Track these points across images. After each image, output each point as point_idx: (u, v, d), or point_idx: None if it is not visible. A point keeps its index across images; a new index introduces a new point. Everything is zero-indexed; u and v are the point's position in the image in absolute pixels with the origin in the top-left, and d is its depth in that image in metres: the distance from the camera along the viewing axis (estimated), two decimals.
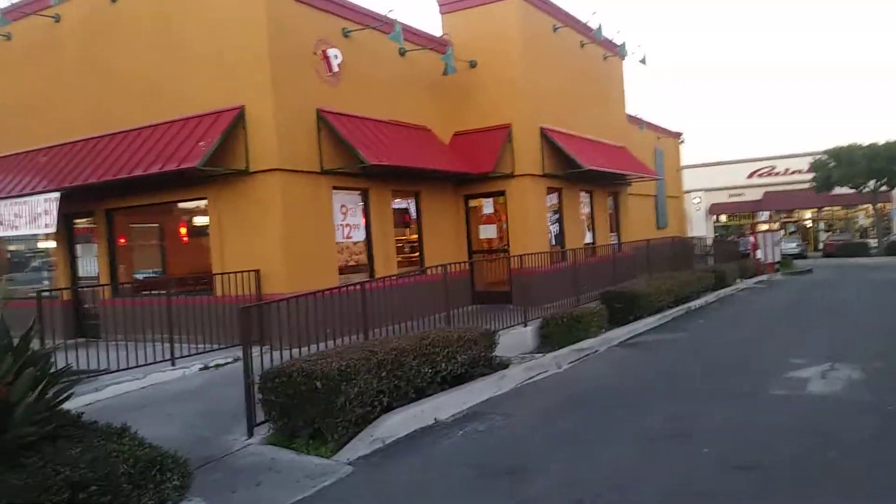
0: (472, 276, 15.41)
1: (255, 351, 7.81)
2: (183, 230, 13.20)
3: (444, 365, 7.41)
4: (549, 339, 11.37)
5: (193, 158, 10.54)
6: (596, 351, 11.02)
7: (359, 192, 12.94)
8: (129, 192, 12.59)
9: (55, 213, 12.04)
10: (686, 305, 16.53)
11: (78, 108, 13.23)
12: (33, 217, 12.34)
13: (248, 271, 11.13)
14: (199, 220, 12.66)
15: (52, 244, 14.24)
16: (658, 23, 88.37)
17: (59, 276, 14.02)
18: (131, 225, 13.82)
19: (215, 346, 10.53)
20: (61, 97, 13.52)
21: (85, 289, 13.55)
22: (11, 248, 15.93)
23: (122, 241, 13.59)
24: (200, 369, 9.85)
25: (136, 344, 9.98)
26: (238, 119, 11.12)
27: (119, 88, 12.68)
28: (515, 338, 10.96)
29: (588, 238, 18.24)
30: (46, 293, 13.22)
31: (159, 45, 12.17)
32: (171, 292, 10.26)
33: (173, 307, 10.56)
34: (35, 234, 13.22)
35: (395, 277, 10.81)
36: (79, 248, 14.06)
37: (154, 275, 13.43)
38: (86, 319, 13.67)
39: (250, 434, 6.51)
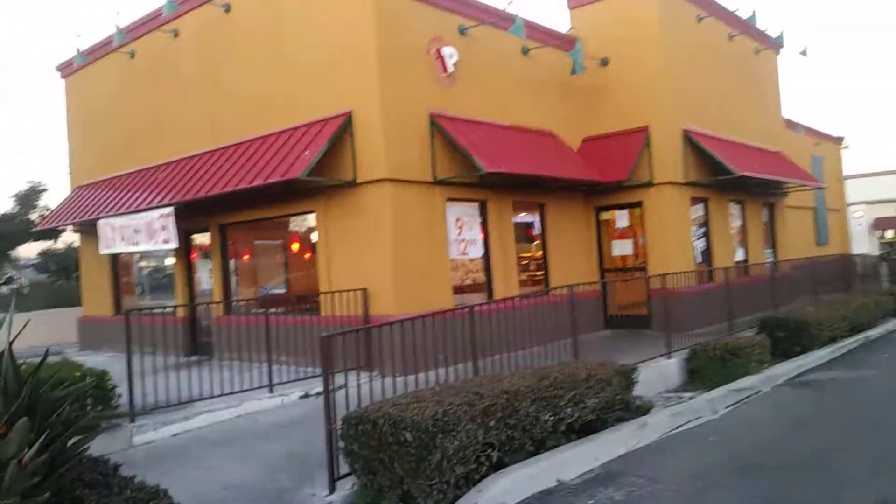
0: (604, 298, 13.77)
1: (363, 378, 6.81)
2: (293, 246, 12.61)
3: (569, 411, 5.98)
4: (699, 375, 9.56)
5: (297, 169, 9.80)
6: (758, 392, 9.07)
7: (476, 203, 11.75)
8: (239, 206, 12.17)
9: (172, 227, 11.78)
10: (864, 335, 13.90)
11: (195, 122, 13.07)
12: (151, 233, 12.19)
13: (355, 290, 10.22)
14: (308, 236, 11.99)
15: (172, 260, 14.18)
16: (816, 10, 79.85)
17: (178, 292, 13.90)
18: (243, 241, 13.43)
19: (320, 372, 9.65)
20: (181, 112, 13.44)
21: (197, 305, 13.29)
22: (143, 263, 16.18)
23: (235, 257, 13.22)
24: (300, 397, 8.99)
25: (244, 364, 9.36)
26: (345, 125, 10.30)
27: (232, 101, 12.34)
28: (657, 372, 9.26)
29: (740, 255, 15.97)
30: (159, 310, 13.11)
31: (269, 53, 11.68)
32: (269, 311, 9.52)
33: (280, 327, 9.85)
34: (155, 250, 13.11)
35: (514, 299, 9.48)
36: (197, 263, 13.90)
37: (264, 292, 12.93)
38: (201, 337, 13.41)
39: (331, 489, 5.40)
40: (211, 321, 12.83)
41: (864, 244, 41.89)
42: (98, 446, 7.25)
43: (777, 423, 7.63)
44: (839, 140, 29.20)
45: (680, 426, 7.20)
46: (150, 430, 7.53)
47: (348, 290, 10.17)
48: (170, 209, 11.69)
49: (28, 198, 24.00)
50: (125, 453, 7.07)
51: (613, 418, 6.63)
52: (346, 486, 5.41)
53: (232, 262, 13.13)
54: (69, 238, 24.68)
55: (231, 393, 8.60)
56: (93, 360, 13.03)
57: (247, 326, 10.11)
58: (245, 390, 8.75)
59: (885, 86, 77.09)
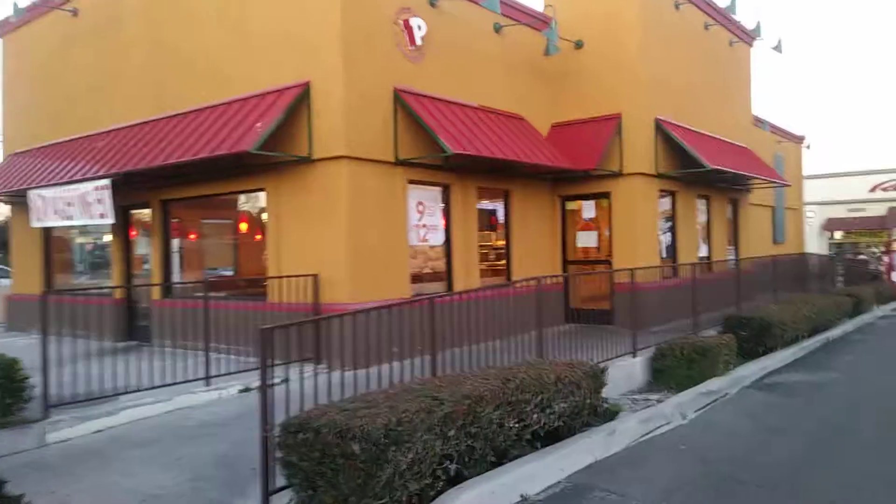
0: (566, 291, 13.28)
1: (309, 372, 6.15)
2: (241, 226, 11.78)
3: (535, 417, 5.42)
4: (665, 375, 9.15)
5: (247, 142, 9.00)
6: (726, 394, 8.69)
7: (439, 187, 11.11)
8: (184, 181, 11.28)
9: (109, 201, 10.82)
10: (823, 336, 13.83)
11: (141, 88, 12.09)
12: (85, 206, 11.21)
13: (306, 275, 9.49)
14: (258, 216, 11.19)
15: (109, 237, 13.19)
16: (782, 8, 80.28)
17: (114, 271, 12.94)
18: (187, 219, 12.54)
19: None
20: (124, 77, 12.44)
21: (130, 287, 12.38)
22: (80, 240, 15.09)
23: (178, 236, 12.32)
24: (240, 391, 8.26)
25: (182, 353, 8.55)
26: (302, 97, 9.52)
27: (180, 66, 11.41)
28: (622, 371, 8.81)
29: (703, 251, 15.70)
30: (90, 291, 12.17)
31: (221, 15, 10.80)
32: (210, 295, 8.71)
33: (223, 313, 9.08)
34: (90, 224, 12.12)
35: (478, 290, 8.91)
36: (136, 241, 12.95)
37: (208, 275, 12.09)
38: (138, 321, 12.50)
39: None
40: (150, 304, 11.95)
41: (814, 244, 42.68)
42: (5, 445, 6.45)
43: (748, 430, 7.22)
44: (801, 139, 29.38)
45: (649, 432, 6.72)
46: (67, 427, 6.73)
47: (298, 276, 9.44)
48: (106, 181, 10.73)
49: None
50: (35, 453, 6.28)
51: (581, 424, 6.11)
52: (283, 502, 4.74)
53: (175, 242, 12.24)
54: (5, 210, 23.21)
55: (162, 385, 7.81)
56: (17, 342, 12.04)
57: (187, 311, 9.24)
58: (179, 382, 7.97)
59: (849, 86, 78.76)
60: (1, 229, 24.76)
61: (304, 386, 5.11)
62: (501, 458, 5.21)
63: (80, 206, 11.26)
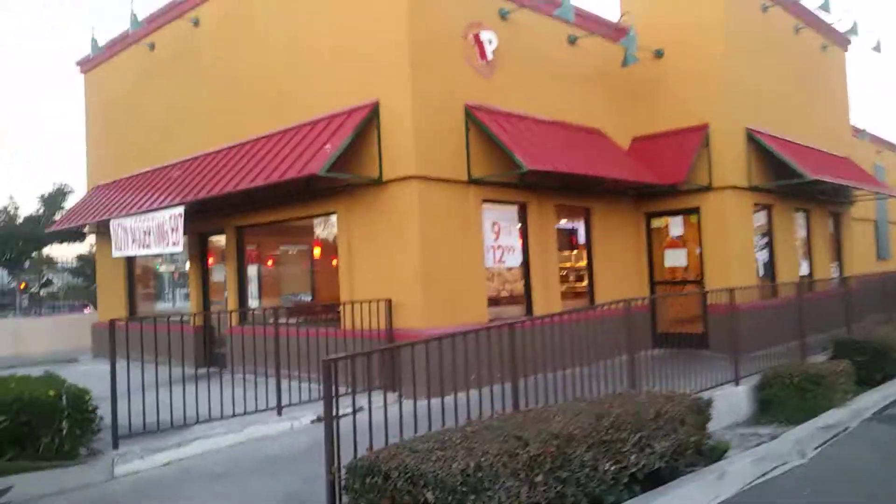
0: (653, 314, 12.43)
1: (380, 400, 5.74)
2: (314, 251, 11.59)
3: (633, 458, 4.76)
4: (773, 406, 8.22)
5: (316, 164, 8.77)
6: (847, 428, 7.70)
7: (515, 206, 10.58)
8: (257, 206, 11.21)
9: (181, 229, 10.85)
10: None
11: (212, 118, 12.18)
12: (162, 234, 11.28)
13: (379, 300, 9.13)
14: (330, 240, 10.95)
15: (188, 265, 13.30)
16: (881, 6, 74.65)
17: (192, 298, 13.00)
18: (261, 244, 12.47)
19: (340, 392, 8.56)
20: (198, 107, 12.58)
21: (199, 314, 12.36)
22: (163, 268, 15.36)
23: (252, 262, 12.25)
24: (312, 422, 7.90)
25: (256, 380, 8.26)
26: (371, 117, 9.25)
27: (252, 95, 11.40)
28: (724, 401, 7.93)
29: (804, 268, 14.50)
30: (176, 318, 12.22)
31: (289, 40, 10.73)
32: (283, 322, 8.44)
33: (295, 340, 8.81)
34: (164, 254, 12.24)
35: (563, 315, 8.30)
36: (213, 269, 12.99)
37: (283, 301, 11.94)
38: (215, 347, 12.47)
39: None
40: (226, 331, 11.88)
41: None
42: (73, 479, 6.28)
43: (879, 469, 6.28)
44: None
45: (765, 474, 5.90)
46: (137, 459, 6.51)
47: (371, 301, 9.08)
48: (180, 209, 10.76)
49: (54, 199, 23.60)
50: (103, 488, 6.06)
51: (684, 464, 5.39)
52: None
53: (250, 268, 12.17)
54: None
55: (234, 416, 7.54)
56: (99, 368, 12.15)
57: (261, 338, 9.00)
58: (250, 412, 7.69)
59: None
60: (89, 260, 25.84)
61: (377, 417, 4.67)
62: None
63: (156, 235, 11.34)
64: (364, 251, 9.68)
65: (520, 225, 10.62)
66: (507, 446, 4.00)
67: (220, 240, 12.58)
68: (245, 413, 7.64)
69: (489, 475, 3.73)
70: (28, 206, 49.37)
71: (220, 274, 12.60)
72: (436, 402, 5.55)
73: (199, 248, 12.94)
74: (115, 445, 6.57)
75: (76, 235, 22.50)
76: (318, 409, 8.05)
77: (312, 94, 10.25)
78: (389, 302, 9.13)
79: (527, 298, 10.60)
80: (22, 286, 47.02)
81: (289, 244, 12.55)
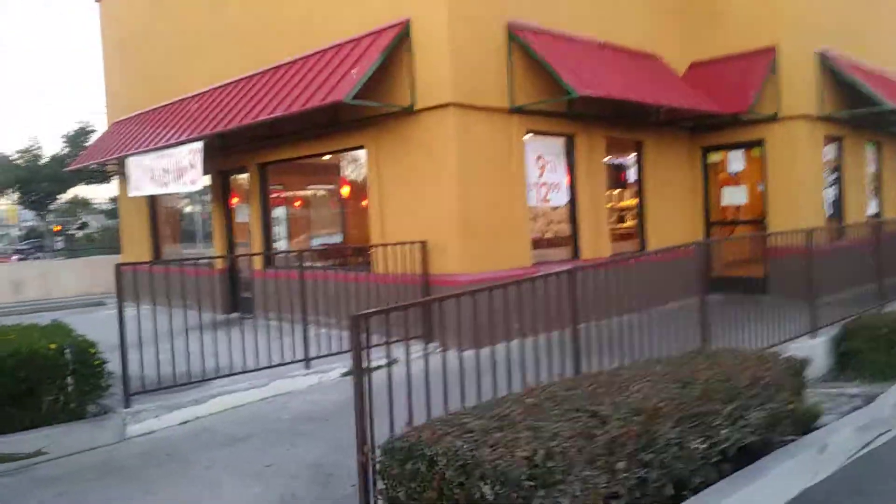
0: (706, 256, 11.43)
1: (416, 350, 5.05)
2: (342, 190, 10.76)
3: (725, 432, 3.95)
4: (857, 361, 7.34)
5: (341, 91, 7.85)
6: None
7: (561, 139, 9.59)
8: (280, 141, 10.38)
9: (200, 166, 10.10)
10: None
11: (233, 46, 11.23)
12: (180, 171, 10.56)
13: (412, 243, 8.32)
14: (359, 177, 10.12)
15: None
16: None
17: (216, 240, 12.36)
18: (286, 183, 11.68)
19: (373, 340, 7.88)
20: (218, 35, 11.64)
21: (233, 257, 11.72)
22: (189, 208, 14.73)
23: (277, 203, 11.50)
24: (342, 375, 7.23)
25: (283, 327, 7.55)
26: (402, 37, 8.26)
27: (273, 18, 10.42)
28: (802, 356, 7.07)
29: (872, 207, 13.30)
30: (196, 262, 11.63)
31: None
32: (311, 266, 7.68)
33: (324, 284, 8.09)
34: (182, 192, 11.55)
35: (625, 258, 7.44)
36: (237, 209, 12.28)
37: (310, 244, 11.23)
38: (241, 292, 11.88)
39: None
40: (251, 274, 11.26)
41: None
42: (82, 438, 5.72)
43: None
44: None
45: (867, 444, 5.06)
46: (151, 418, 5.91)
47: (404, 244, 8.28)
48: (199, 144, 9.99)
49: (77, 139, 23.01)
50: (112, 450, 5.48)
51: (777, 437, 4.57)
52: None
53: (278, 209, 11.42)
54: None
55: (258, 369, 6.89)
56: (127, 312, 11.66)
57: (288, 282, 8.28)
58: (275, 365, 7.03)
59: None
60: None
61: (415, 372, 3.91)
62: (681, 489, 3.80)
63: (174, 173, 10.62)
64: (395, 189, 8.83)
65: (566, 159, 9.64)
66: (580, 426, 3.21)
67: (243, 179, 11.82)
68: (270, 366, 6.98)
69: (561, 464, 2.95)
70: (52, 146, 49.20)
71: (245, 215, 11.90)
72: (481, 352, 4.77)
73: (221, 187, 12.22)
74: (127, 403, 5.97)
75: (101, 176, 22.01)
76: (349, 360, 7.37)
77: (339, 14, 9.26)
78: (424, 245, 8.33)
79: (573, 241, 9.71)
80: (57, 228, 47.36)
81: (316, 183, 11.74)
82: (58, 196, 24.65)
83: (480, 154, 8.35)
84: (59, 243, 40.91)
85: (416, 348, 7.70)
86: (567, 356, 5.15)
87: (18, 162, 24.20)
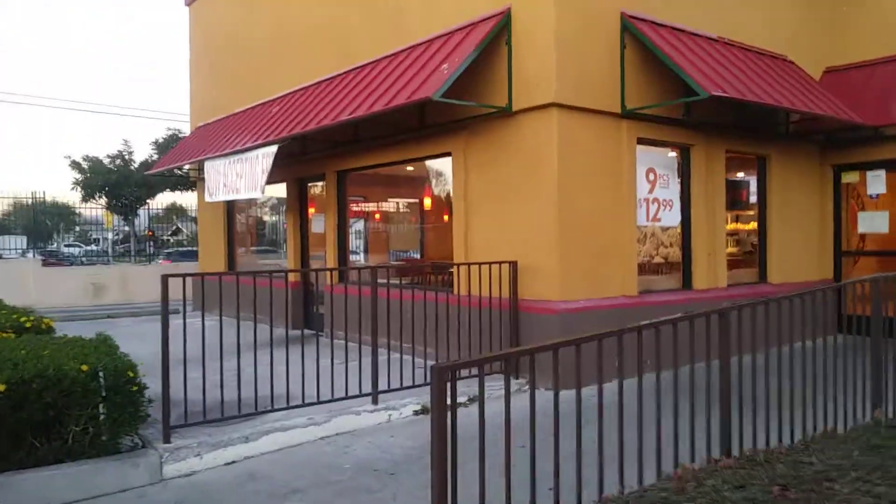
0: (839, 291, 9.86)
1: (495, 386, 3.99)
2: (424, 201, 9.86)
3: None
4: None
5: (429, 87, 6.92)
6: None
7: (676, 149, 8.36)
8: (361, 147, 9.60)
9: (267, 172, 9.40)
10: None
11: (321, 44, 10.57)
12: (252, 177, 9.91)
13: (501, 263, 7.27)
14: (442, 188, 9.18)
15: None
16: None
17: (289, 251, 11.69)
18: (364, 193, 10.89)
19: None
20: (306, 34, 11.03)
21: (304, 271, 10.99)
22: (268, 217, 14.24)
23: (353, 212, 10.72)
24: (415, 412, 6.24)
25: (354, 348, 6.55)
26: (500, 28, 7.28)
27: (365, 12, 9.68)
28: None
29: None
30: (266, 274, 10.97)
31: None
32: (376, 283, 6.72)
33: (399, 304, 7.16)
34: (250, 199, 10.94)
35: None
36: (313, 219, 11.58)
37: (384, 258, 10.37)
38: (313, 307, 11.14)
39: None
40: (324, 288, 10.49)
41: None
42: (111, 479, 4.90)
43: None
44: None
45: None
46: (193, 456, 5.07)
47: (491, 263, 7.23)
48: (272, 148, 9.30)
49: (167, 145, 23.23)
50: (143, 493, 4.65)
51: None
52: None
53: (347, 219, 10.63)
54: None
55: (319, 402, 5.97)
56: (196, 323, 11.10)
57: (360, 299, 7.33)
58: (338, 399, 6.10)
59: None
60: None
61: (491, 410, 2.92)
62: None
63: (247, 179, 9.98)
64: (484, 201, 7.82)
65: (680, 173, 8.39)
66: None
67: (320, 187, 11.12)
68: (333, 399, 6.05)
69: None
70: (145, 152, 50.92)
71: (320, 225, 11.18)
72: (584, 393, 3.63)
73: (298, 195, 11.56)
74: (167, 438, 5.16)
75: (186, 182, 22.09)
76: (423, 394, 6.41)
77: (433, 5, 8.39)
78: (515, 265, 7.25)
79: (685, 267, 8.42)
80: (149, 234, 49.00)
81: (395, 193, 10.90)
82: (146, 202, 25.01)
83: (584, 164, 7.23)
84: (151, 247, 42.01)
85: (496, 386, 6.68)
86: (701, 408, 3.94)
87: (110, 166, 24.83)
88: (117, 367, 4.92)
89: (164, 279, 5.28)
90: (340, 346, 6.32)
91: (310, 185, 11.48)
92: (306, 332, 10.37)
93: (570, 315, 6.94)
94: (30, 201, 19.76)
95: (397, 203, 10.97)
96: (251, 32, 12.59)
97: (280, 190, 11.79)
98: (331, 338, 6.31)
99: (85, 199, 26.60)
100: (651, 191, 8.05)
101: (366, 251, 11.27)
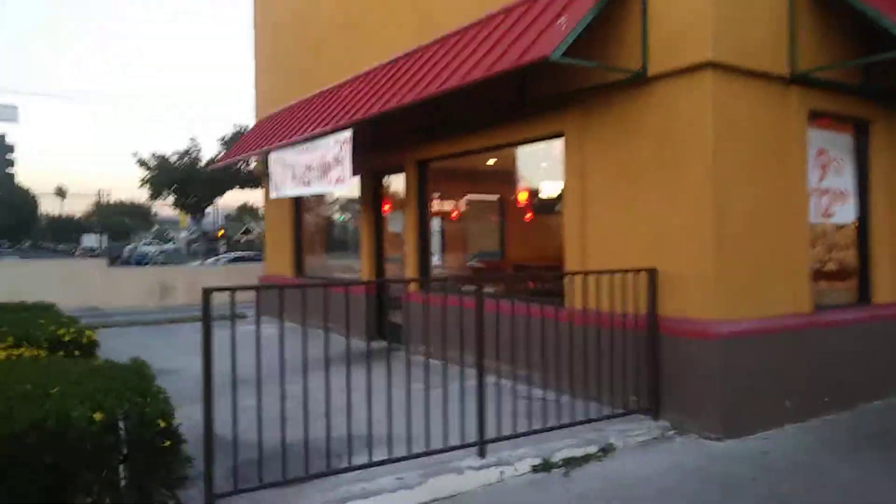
0: None
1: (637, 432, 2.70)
2: (519, 196, 8.34)
3: None
4: None
5: (544, 46, 5.41)
6: None
7: (849, 126, 6.58)
8: (445, 132, 8.17)
9: (348, 160, 8.08)
10: None
11: (395, 18, 9.23)
12: (324, 168, 8.63)
13: (633, 271, 5.68)
14: (547, 179, 7.64)
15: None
16: None
17: (363, 253, 10.38)
18: (450, 186, 9.45)
19: (567, 409, 5.33)
20: (377, 8, 9.72)
21: (382, 281, 9.65)
22: (339, 214, 13.04)
23: (435, 208, 9.31)
24: (534, 468, 4.74)
25: (441, 369, 5.10)
26: None
27: None
28: None
29: None
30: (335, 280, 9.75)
31: None
32: (466, 291, 5.24)
33: (494, 318, 5.63)
34: (327, 192, 9.69)
35: None
36: (389, 218, 10.25)
37: (475, 262, 8.92)
38: (390, 316, 9.81)
39: None
40: (402, 296, 9.12)
41: None
42: None
43: None
44: None
45: None
46: None
47: (618, 272, 5.65)
48: (347, 133, 7.99)
49: (233, 141, 22.48)
50: None
51: None
52: None
53: (429, 217, 9.22)
54: None
55: (408, 457, 4.54)
56: (263, 331, 9.93)
57: (447, 310, 5.77)
58: (434, 452, 4.65)
59: None
60: None
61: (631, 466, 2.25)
62: None
63: (318, 170, 8.72)
64: (607, 194, 6.25)
65: (855, 157, 6.61)
66: None
67: (397, 180, 9.76)
68: (428, 452, 4.61)
69: None
70: (212, 150, 51.16)
71: (398, 224, 9.83)
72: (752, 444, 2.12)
73: (372, 190, 10.25)
74: None
75: (252, 180, 21.26)
76: (541, 444, 4.92)
77: None
78: (652, 274, 5.65)
79: (862, 275, 6.62)
80: (220, 234, 49.15)
81: (489, 186, 9.40)
82: (213, 200, 24.50)
83: (745, 143, 5.58)
84: (223, 248, 42.00)
85: (636, 429, 5.12)
86: None
87: (177, 164, 24.45)
88: (144, 413, 3.62)
89: (206, 294, 3.95)
90: (419, 364, 4.85)
91: (385, 178, 10.16)
92: (379, 344, 9.04)
93: (734, 340, 5.31)
94: (106, 199, 19.30)
95: (488, 197, 9.48)
96: (317, 12, 11.38)
97: (350, 185, 10.50)
98: (407, 353, 4.84)
99: (153, 196, 26.42)
100: (822, 179, 6.32)
101: (449, 253, 9.85)
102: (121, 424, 3.50)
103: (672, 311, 5.59)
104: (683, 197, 5.54)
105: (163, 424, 3.63)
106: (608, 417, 5.46)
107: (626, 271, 5.63)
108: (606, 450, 5.05)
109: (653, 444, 5.24)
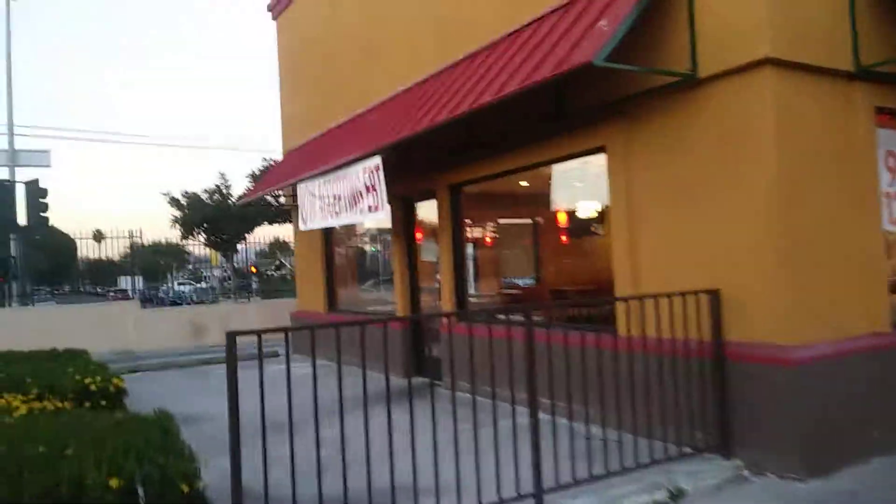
0: None
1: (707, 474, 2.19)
2: (559, 217, 7.90)
3: None
4: None
5: (586, 51, 5.02)
6: None
7: None
8: (480, 151, 7.79)
9: (381, 187, 7.73)
10: None
11: (421, 39, 8.95)
12: (354, 197, 8.32)
13: (694, 293, 5.18)
14: (588, 197, 7.18)
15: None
16: None
17: (396, 286, 10.00)
18: (485, 210, 9.07)
19: (616, 450, 4.82)
20: (399, 32, 9.46)
21: (417, 315, 9.24)
22: (365, 245, 12.75)
23: (471, 234, 8.91)
24: None
25: (485, 407, 4.57)
26: None
27: None
28: None
29: None
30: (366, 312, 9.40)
31: None
32: (532, 323, 4.78)
33: (541, 349, 5.14)
34: (359, 222, 9.37)
35: None
36: (422, 247, 9.88)
37: (513, 288, 8.48)
38: (426, 349, 9.39)
39: None
40: (440, 328, 8.72)
41: None
42: None
43: None
44: None
45: None
46: None
47: (678, 295, 5.15)
48: (376, 160, 7.66)
49: (262, 177, 22.46)
50: None
51: None
52: None
53: (464, 242, 8.82)
54: None
55: None
56: (296, 370, 9.59)
57: (488, 342, 5.28)
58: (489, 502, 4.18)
59: None
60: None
61: None
62: None
63: (347, 199, 8.40)
64: (657, 210, 5.79)
65: None
66: None
67: (429, 207, 9.39)
68: None
69: None
70: (242, 186, 51.70)
71: (431, 252, 9.45)
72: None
73: (403, 218, 9.90)
74: None
75: (282, 214, 21.14)
76: (603, 489, 4.41)
77: None
78: (715, 295, 5.14)
79: None
80: (253, 270, 49.34)
81: (523, 209, 9.00)
82: (244, 236, 24.45)
83: (807, 145, 5.10)
84: (255, 284, 42.03)
85: (706, 470, 4.60)
86: None
87: (208, 201, 24.60)
88: (166, 475, 3.24)
89: (231, 338, 3.59)
90: (463, 402, 4.40)
91: (416, 204, 9.81)
92: (418, 380, 8.60)
93: (813, 366, 4.77)
94: (139, 240, 19.41)
95: (525, 220, 9.06)
96: (339, 40, 11.18)
97: (385, 214, 10.18)
98: (452, 390, 4.39)
99: (184, 236, 26.56)
100: (892, 182, 5.78)
101: (485, 280, 9.43)
102: (140, 490, 3.13)
103: (740, 335, 5.07)
104: (745, 208, 5.06)
105: (186, 489, 3.24)
106: (674, 458, 4.94)
107: (686, 294, 5.14)
108: (676, 496, 4.53)
109: (727, 488, 4.70)
